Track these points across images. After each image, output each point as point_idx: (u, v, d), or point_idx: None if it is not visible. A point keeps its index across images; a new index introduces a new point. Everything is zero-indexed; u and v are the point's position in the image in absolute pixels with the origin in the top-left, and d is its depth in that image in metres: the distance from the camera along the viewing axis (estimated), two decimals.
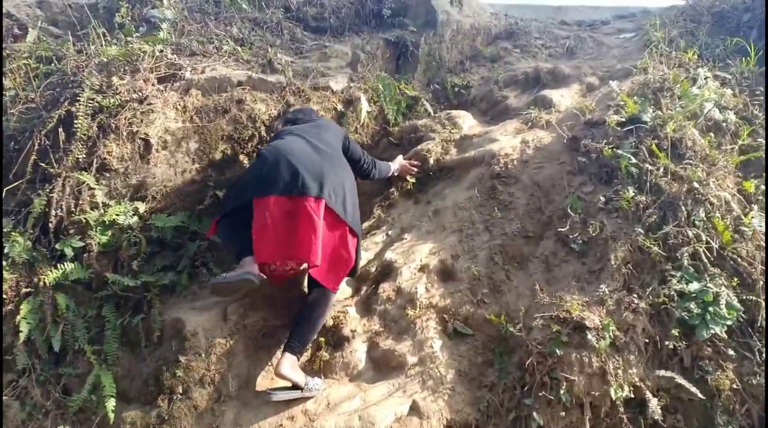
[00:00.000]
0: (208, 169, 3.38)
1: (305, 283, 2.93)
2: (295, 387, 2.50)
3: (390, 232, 3.49)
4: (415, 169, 3.71)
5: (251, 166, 3.03)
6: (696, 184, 2.91)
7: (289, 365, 2.48)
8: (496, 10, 5.55)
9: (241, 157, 3.52)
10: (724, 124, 3.30)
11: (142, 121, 3.08)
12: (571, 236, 2.97)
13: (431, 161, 3.78)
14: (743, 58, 3.76)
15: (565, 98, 3.99)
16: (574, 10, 5.94)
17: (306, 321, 2.62)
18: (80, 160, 2.93)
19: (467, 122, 4.11)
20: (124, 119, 3.00)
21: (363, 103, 3.98)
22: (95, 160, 2.95)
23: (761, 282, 2.62)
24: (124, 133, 3.02)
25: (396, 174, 3.65)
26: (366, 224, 3.61)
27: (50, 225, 2.82)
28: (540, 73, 4.37)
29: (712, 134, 3.21)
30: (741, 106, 3.44)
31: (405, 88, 4.32)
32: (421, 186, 3.75)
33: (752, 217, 2.80)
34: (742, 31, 4.20)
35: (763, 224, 2.81)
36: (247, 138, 3.51)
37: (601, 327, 2.48)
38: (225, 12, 4.23)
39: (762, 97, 3.50)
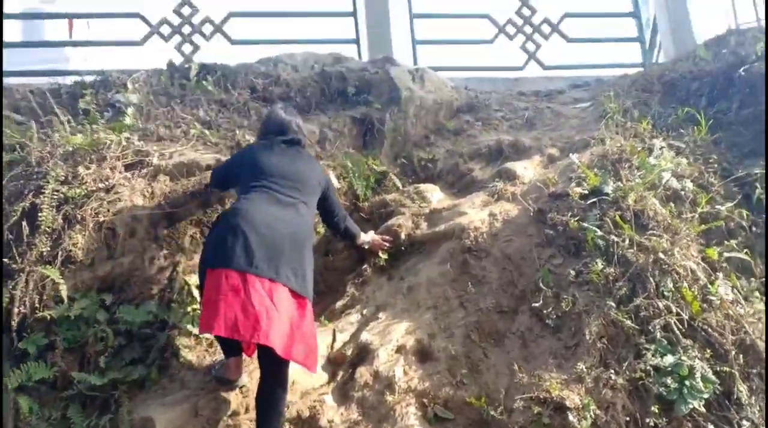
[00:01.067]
0: (176, 254, 3.33)
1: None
2: None
3: (365, 311, 3.45)
4: (387, 244, 3.72)
5: (211, 230, 2.93)
6: (661, 255, 2.99)
7: None
8: (456, 83, 5.73)
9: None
10: (683, 193, 3.44)
11: (108, 210, 3.05)
12: (545, 311, 3.00)
13: (402, 236, 3.80)
14: (695, 127, 3.95)
15: (528, 170, 4.10)
16: (530, 81, 6.18)
17: (272, 410, 2.51)
18: (44, 253, 2.87)
19: (435, 196, 4.18)
20: (90, 209, 2.96)
21: (332, 180, 4.02)
22: (60, 253, 2.88)
23: (733, 353, 2.67)
24: (91, 224, 2.97)
25: (367, 247, 3.64)
26: (340, 303, 3.58)
27: (13, 323, 2.71)
28: (502, 146, 4.50)
29: (672, 204, 3.33)
30: (696, 174, 3.59)
31: (373, 164, 4.39)
32: (393, 261, 3.75)
33: (718, 286, 2.88)
34: (692, 99, 4.43)
35: (729, 292, 2.89)
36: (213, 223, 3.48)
37: (581, 406, 2.47)
38: (191, 95, 4.27)
39: (715, 165, 3.67)
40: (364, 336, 3.14)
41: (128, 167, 3.29)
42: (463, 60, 6.60)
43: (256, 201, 2.74)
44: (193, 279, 3.27)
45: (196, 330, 3.06)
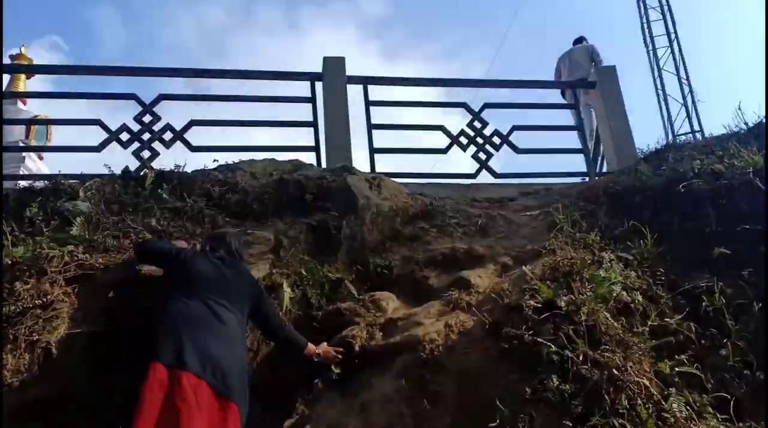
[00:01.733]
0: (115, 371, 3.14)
1: None
2: None
3: None
4: (339, 357, 3.62)
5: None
6: (615, 371, 2.97)
7: None
8: (413, 189, 5.88)
9: None
10: (633, 306, 3.48)
11: (44, 329, 2.87)
12: None
13: (357, 348, 3.70)
14: (641, 240, 4.09)
15: (482, 279, 4.13)
16: (483, 188, 6.40)
17: None
18: None
19: (391, 304, 4.13)
20: (25, 328, 2.79)
21: (285, 290, 3.96)
22: None
23: None
24: (23, 344, 2.79)
25: (317, 359, 3.57)
26: (288, 423, 3.41)
27: None
28: (457, 254, 4.55)
29: (623, 317, 3.36)
30: (645, 286, 3.67)
31: (328, 271, 4.36)
32: (347, 374, 3.62)
33: (673, 403, 2.85)
34: (636, 212, 4.60)
35: (683, 409, 2.86)
36: None
37: None
38: (144, 203, 4.23)
39: (663, 277, 3.76)
40: None
41: (70, 281, 3.17)
42: (419, 167, 6.83)
43: (189, 304, 2.89)
44: None
45: None
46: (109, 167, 5.02)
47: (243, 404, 2.79)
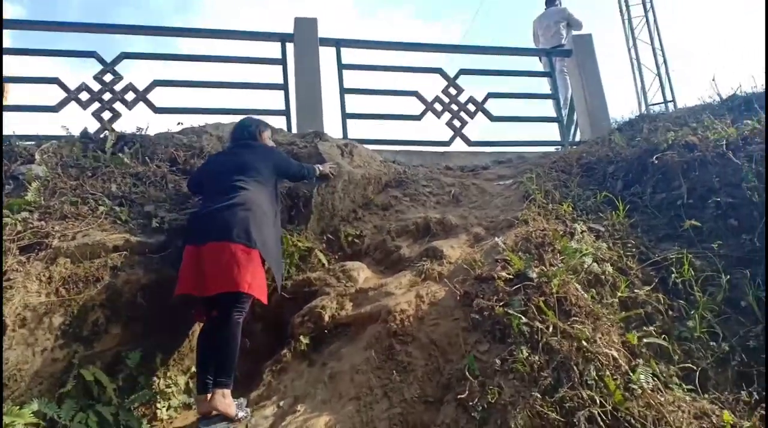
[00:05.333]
0: (73, 344, 3.03)
1: None
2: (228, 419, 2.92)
3: (282, 403, 3.22)
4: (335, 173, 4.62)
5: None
6: (584, 342, 2.96)
7: (224, 400, 2.94)
8: (386, 157, 5.78)
9: (115, 327, 3.22)
10: (603, 277, 3.48)
11: None
12: (470, 402, 2.87)
13: (326, 318, 3.65)
14: (613, 211, 4.08)
15: (455, 249, 4.09)
16: (457, 156, 6.33)
17: (223, 352, 3.02)
18: None
19: (362, 274, 4.08)
20: None
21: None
22: None
23: None
24: None
25: (320, 174, 4.51)
26: (255, 394, 3.35)
27: None
28: (430, 223, 4.49)
29: (593, 289, 3.35)
30: (616, 257, 3.66)
31: (298, 240, 4.26)
32: (316, 345, 3.58)
33: (640, 374, 2.87)
34: (609, 182, 4.61)
35: (650, 380, 2.88)
36: (121, 306, 3.23)
37: None
38: (104, 167, 4.04)
39: (633, 249, 3.76)
40: None
41: (24, 249, 3.02)
42: (393, 133, 6.72)
43: (206, 199, 3.52)
44: (93, 371, 3.01)
45: None
46: (67, 128, 4.80)
47: (252, 240, 3.19)
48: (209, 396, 2.93)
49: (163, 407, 3.30)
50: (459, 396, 2.92)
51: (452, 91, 6.50)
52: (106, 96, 5.57)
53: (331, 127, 6.00)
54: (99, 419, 2.98)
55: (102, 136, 4.72)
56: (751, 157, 4.07)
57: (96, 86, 5.58)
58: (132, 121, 5.24)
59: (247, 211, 3.26)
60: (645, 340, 3.13)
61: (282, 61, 6.23)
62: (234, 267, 3.04)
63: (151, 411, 3.25)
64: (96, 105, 5.51)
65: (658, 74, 14.21)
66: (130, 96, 5.64)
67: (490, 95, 6.65)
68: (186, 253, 3.19)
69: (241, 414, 3.02)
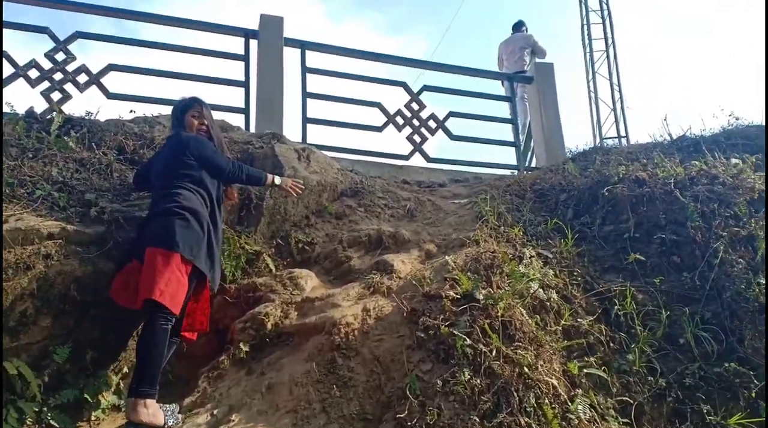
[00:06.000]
0: None
1: None
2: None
3: (216, 412, 3.09)
4: (299, 192, 3.97)
5: None
6: (526, 368, 2.97)
7: (146, 410, 2.76)
8: (344, 165, 5.72)
9: (44, 319, 3.04)
10: (548, 304, 3.51)
11: None
12: (409, 423, 2.83)
13: (269, 326, 3.55)
14: (562, 239, 4.14)
15: (405, 264, 4.06)
16: (415, 171, 6.34)
17: (144, 361, 2.87)
18: None
19: (310, 283, 3.99)
20: None
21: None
22: None
23: None
24: None
25: (276, 185, 3.80)
26: (188, 400, 3.21)
27: None
28: (383, 236, 4.45)
29: (538, 315, 3.38)
30: (561, 285, 3.71)
31: (246, 243, 4.14)
32: (256, 353, 3.47)
33: (578, 404, 2.89)
34: (560, 210, 4.69)
35: (587, 410, 2.90)
36: (52, 298, 3.05)
37: None
38: (47, 150, 3.83)
39: (579, 278, 3.82)
40: None
41: None
42: (353, 142, 6.68)
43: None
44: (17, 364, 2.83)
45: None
46: (12, 106, 4.55)
47: (174, 243, 3.01)
48: (132, 404, 2.78)
49: (91, 407, 3.13)
50: (398, 415, 2.87)
51: (415, 106, 6.52)
52: (57, 76, 5.32)
53: (291, 130, 5.89)
54: (20, 416, 2.80)
55: (49, 117, 4.48)
56: (696, 197, 4.21)
57: (47, 65, 5.32)
58: (82, 104, 5.00)
59: (173, 216, 3.08)
60: (585, 371, 3.17)
61: (245, 58, 6.10)
62: (150, 273, 2.91)
63: (77, 410, 3.07)
64: (45, 84, 5.25)
65: (614, 109, 14.69)
66: (82, 78, 5.40)
67: (451, 114, 6.70)
68: (131, 264, 3.13)
69: (171, 422, 2.88)
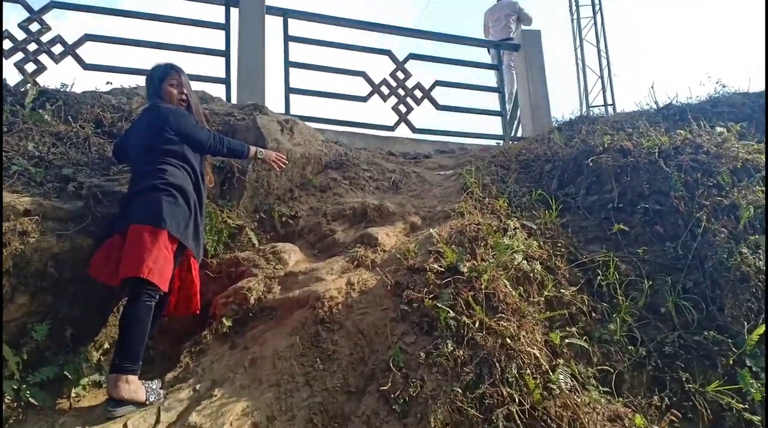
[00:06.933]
0: None
1: None
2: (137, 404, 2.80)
3: (198, 386, 3.08)
4: (283, 164, 3.88)
5: None
6: (508, 339, 2.99)
7: (128, 386, 2.77)
8: (328, 136, 5.65)
9: (21, 297, 3.00)
10: (532, 275, 3.52)
11: None
12: (392, 395, 2.85)
13: (252, 300, 3.54)
14: (546, 210, 4.13)
15: (390, 237, 4.04)
16: (400, 142, 6.28)
17: (127, 337, 2.86)
18: None
19: (293, 257, 3.97)
20: None
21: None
22: None
23: None
24: None
25: (258, 158, 3.71)
26: (170, 375, 3.21)
27: None
28: (367, 209, 4.43)
29: (521, 287, 3.38)
30: (545, 256, 3.71)
31: (228, 217, 4.10)
32: (239, 327, 3.46)
33: (559, 374, 2.91)
34: (545, 180, 4.67)
35: (568, 380, 2.93)
36: (29, 275, 3.01)
37: None
38: (22, 124, 3.73)
39: (563, 249, 3.82)
40: (193, 419, 2.78)
41: None
42: (337, 113, 6.59)
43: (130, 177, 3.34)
44: None
45: None
46: None
47: (162, 219, 2.97)
48: (113, 381, 2.77)
49: (71, 384, 3.11)
50: (381, 387, 2.89)
51: (400, 74, 6.43)
52: (32, 47, 5.17)
53: (273, 101, 5.82)
54: None
55: (23, 89, 4.37)
56: (680, 167, 4.21)
57: (21, 35, 5.16)
58: (58, 76, 4.88)
59: (159, 193, 3.04)
60: (567, 341, 3.19)
61: (225, 26, 5.96)
62: (136, 251, 2.87)
63: (58, 388, 3.05)
64: (19, 55, 5.11)
65: (601, 76, 14.59)
66: (57, 49, 5.26)
67: (437, 83, 6.62)
68: (111, 239, 3.10)
69: (152, 397, 2.87)
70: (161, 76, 3.47)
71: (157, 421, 2.86)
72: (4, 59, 5.07)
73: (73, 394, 3.07)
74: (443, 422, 2.70)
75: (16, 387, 2.83)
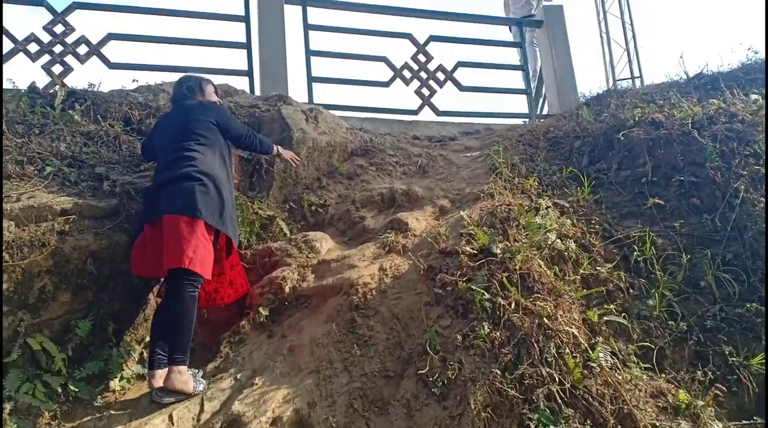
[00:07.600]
0: (18, 312, 2.88)
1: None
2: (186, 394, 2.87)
3: (239, 376, 3.14)
4: (295, 164, 4.29)
5: None
6: (546, 319, 2.96)
7: (180, 377, 2.85)
8: (352, 123, 5.64)
9: (63, 295, 3.07)
10: (566, 253, 3.48)
11: None
12: (431, 378, 2.86)
13: (287, 290, 3.58)
14: (578, 187, 4.06)
15: (419, 222, 4.03)
16: (425, 125, 6.23)
17: (176, 329, 2.92)
18: None
19: (325, 245, 3.99)
20: None
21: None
22: None
23: (611, 422, 2.66)
24: None
25: (277, 154, 4.07)
26: (212, 365, 3.27)
27: None
28: (395, 195, 4.42)
29: (556, 266, 3.34)
30: (579, 234, 3.67)
31: (259, 208, 4.13)
32: (275, 317, 3.50)
33: (599, 352, 2.88)
34: (575, 157, 4.59)
35: (609, 358, 2.90)
36: (69, 273, 3.08)
37: None
38: (53, 125, 3.80)
39: (597, 226, 3.76)
40: (236, 407, 2.84)
41: None
42: (360, 100, 6.55)
43: (157, 171, 3.34)
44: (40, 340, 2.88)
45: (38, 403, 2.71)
46: (14, 82, 4.52)
47: (197, 210, 3.01)
48: (165, 373, 2.86)
49: (116, 378, 3.19)
50: (419, 371, 2.90)
51: (422, 57, 6.36)
52: (57, 48, 5.24)
53: (296, 90, 5.79)
54: (47, 389, 2.86)
55: (51, 91, 4.44)
56: (715, 137, 4.10)
57: (46, 38, 5.24)
58: (84, 76, 4.96)
59: (192, 182, 3.08)
60: (605, 318, 3.15)
61: (245, 18, 5.96)
62: (175, 242, 2.91)
63: (102, 381, 3.14)
64: (46, 57, 5.18)
65: (627, 49, 14.23)
66: (82, 49, 5.32)
67: (460, 64, 6.53)
68: (143, 233, 3.14)
69: (199, 388, 2.94)
70: (207, 81, 3.81)
71: (201, 411, 2.92)
72: (32, 62, 5.16)
73: (118, 387, 3.15)
74: (483, 403, 2.70)
75: (63, 382, 2.91)
